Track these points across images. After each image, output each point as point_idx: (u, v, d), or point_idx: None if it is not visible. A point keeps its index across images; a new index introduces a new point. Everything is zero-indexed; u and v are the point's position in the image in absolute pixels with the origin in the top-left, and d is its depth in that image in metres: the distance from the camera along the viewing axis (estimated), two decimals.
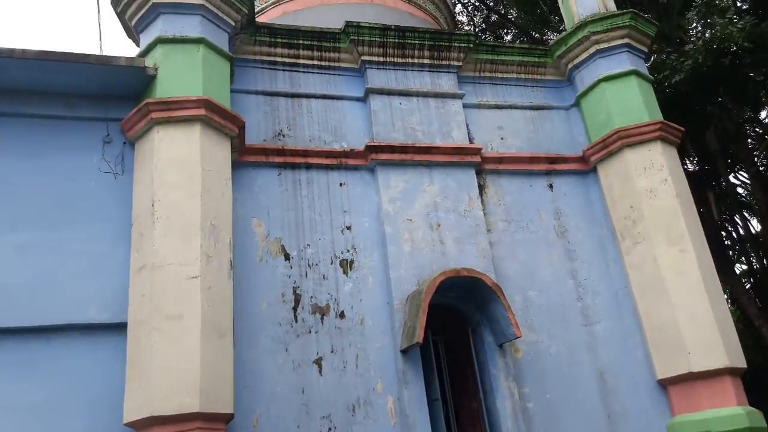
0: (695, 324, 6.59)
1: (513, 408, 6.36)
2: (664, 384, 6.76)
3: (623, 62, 7.84)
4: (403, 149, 7.20)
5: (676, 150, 7.67)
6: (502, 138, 7.99)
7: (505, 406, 6.36)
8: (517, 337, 6.30)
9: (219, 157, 6.13)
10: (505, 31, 17.01)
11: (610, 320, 7.24)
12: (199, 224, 5.63)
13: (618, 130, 7.45)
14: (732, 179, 15.76)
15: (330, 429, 5.98)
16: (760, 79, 9.79)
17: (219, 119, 6.16)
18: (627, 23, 7.81)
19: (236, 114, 6.39)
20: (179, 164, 5.84)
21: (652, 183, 7.23)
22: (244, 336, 6.07)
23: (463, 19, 18.17)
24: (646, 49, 8.24)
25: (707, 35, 9.26)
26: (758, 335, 13.23)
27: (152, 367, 5.05)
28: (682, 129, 7.73)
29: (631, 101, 7.64)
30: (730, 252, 17.22)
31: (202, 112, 6.01)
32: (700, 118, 11.47)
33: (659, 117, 7.72)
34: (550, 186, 7.88)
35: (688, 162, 15.52)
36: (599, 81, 7.86)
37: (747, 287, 15.96)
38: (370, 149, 7.12)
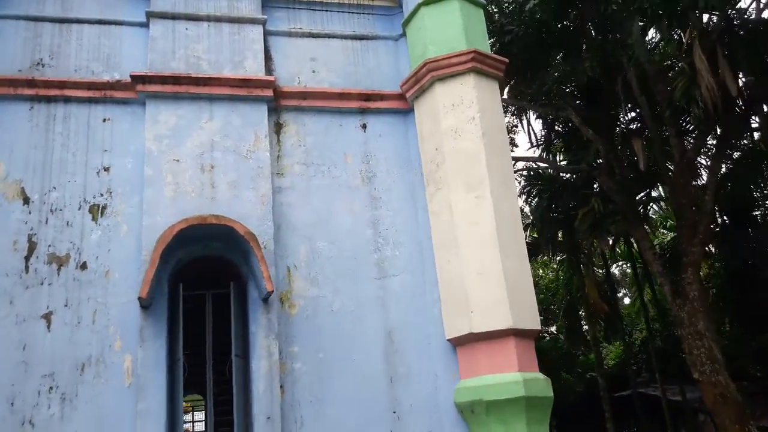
0: (482, 280, 5.96)
1: (269, 369, 5.81)
2: (454, 345, 6.18)
3: None
4: (176, 80, 6.47)
5: (497, 84, 6.87)
6: (314, 71, 7.21)
7: (260, 367, 5.81)
8: (270, 292, 5.70)
9: None
10: None
11: (410, 274, 6.61)
12: None
13: (428, 62, 6.66)
14: None
15: (51, 388, 5.49)
16: None
17: None
18: None
19: None
20: None
21: (459, 122, 6.49)
22: None
23: None
24: None
25: None
26: None
27: None
28: (505, 60, 6.91)
29: (449, 28, 6.82)
30: None
31: None
32: None
33: (484, 47, 6.90)
34: (364, 126, 7.14)
35: None
36: (419, 5, 7.01)
37: None
38: (138, 80, 6.40)
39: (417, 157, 6.98)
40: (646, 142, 12.72)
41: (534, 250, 17.15)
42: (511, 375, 5.67)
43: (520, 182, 17.26)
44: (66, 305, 5.76)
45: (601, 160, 13.32)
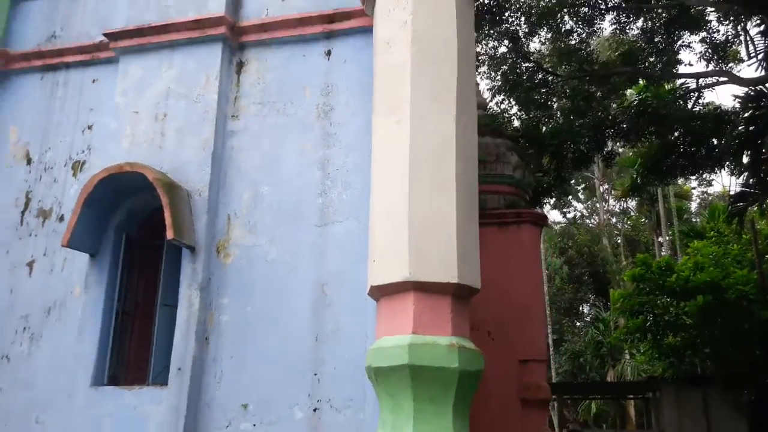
0: (386, 222, 5.10)
1: (187, 319, 5.96)
2: (375, 300, 5.44)
3: None
4: (140, 32, 6.93)
5: None
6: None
7: (180, 317, 6.00)
8: (171, 240, 5.82)
9: None
10: None
11: (356, 220, 5.99)
12: None
13: None
14: None
15: (25, 329, 6.55)
16: None
17: None
18: None
19: None
20: None
21: (390, 29, 5.54)
22: None
23: None
24: None
25: None
26: None
27: None
28: None
29: None
30: None
31: None
32: None
33: None
34: (328, 53, 6.63)
35: None
36: None
37: None
38: (111, 38, 7.05)
39: None
40: None
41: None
42: (398, 338, 4.78)
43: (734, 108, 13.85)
44: (45, 254, 6.76)
45: None
